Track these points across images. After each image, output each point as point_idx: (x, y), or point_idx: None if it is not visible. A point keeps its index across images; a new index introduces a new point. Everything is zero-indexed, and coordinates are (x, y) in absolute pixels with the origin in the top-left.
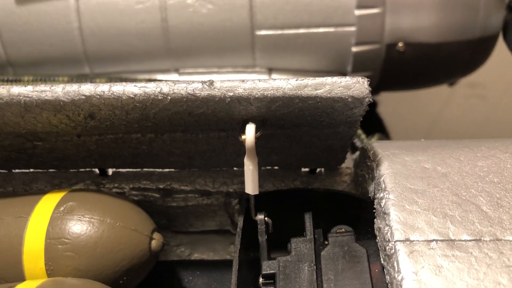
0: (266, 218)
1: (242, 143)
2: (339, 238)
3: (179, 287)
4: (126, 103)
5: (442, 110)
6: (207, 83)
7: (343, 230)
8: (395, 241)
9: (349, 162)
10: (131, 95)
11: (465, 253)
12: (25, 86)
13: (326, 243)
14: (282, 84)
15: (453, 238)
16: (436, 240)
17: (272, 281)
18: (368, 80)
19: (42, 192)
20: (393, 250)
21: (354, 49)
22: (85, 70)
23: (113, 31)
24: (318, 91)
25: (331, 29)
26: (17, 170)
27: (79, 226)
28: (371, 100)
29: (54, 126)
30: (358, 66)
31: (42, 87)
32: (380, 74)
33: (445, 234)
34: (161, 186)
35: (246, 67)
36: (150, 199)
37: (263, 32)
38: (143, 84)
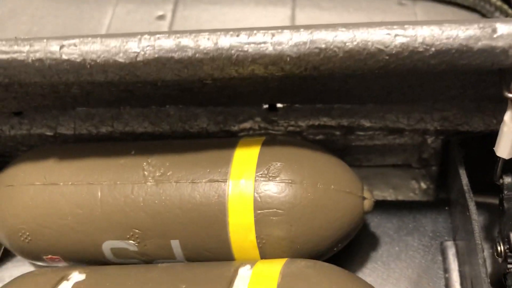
0: None
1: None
2: None
3: (367, 230)
4: (372, 55)
5: None
6: (488, 29)
7: None
8: None
9: None
10: (381, 47)
11: None
12: (236, 36)
13: None
14: None
15: None
16: None
17: None
18: None
19: (210, 136)
20: None
21: None
22: None
23: None
24: None
25: None
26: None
27: (291, 194)
28: None
29: (249, 75)
30: None
31: (259, 37)
32: None
33: None
34: (345, 124)
35: None
36: (332, 139)
37: None
38: (395, 31)
